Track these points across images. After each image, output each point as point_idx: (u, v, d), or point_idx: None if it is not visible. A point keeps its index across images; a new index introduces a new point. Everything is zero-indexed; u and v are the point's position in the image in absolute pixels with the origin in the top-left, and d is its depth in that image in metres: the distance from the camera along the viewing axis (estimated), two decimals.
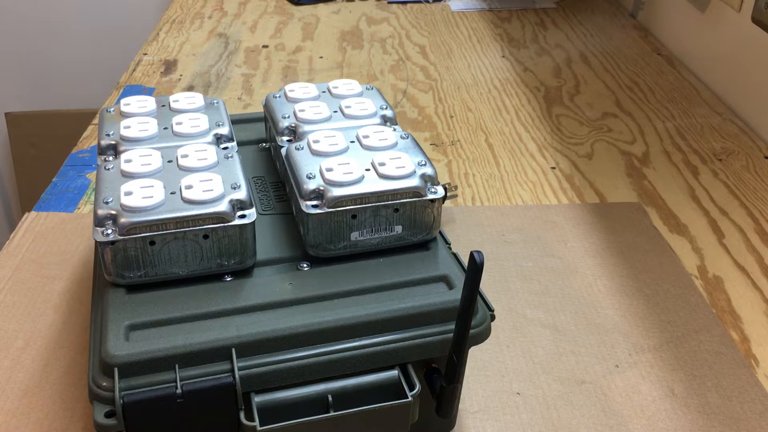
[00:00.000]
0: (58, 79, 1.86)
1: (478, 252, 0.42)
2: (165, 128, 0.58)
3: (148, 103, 0.62)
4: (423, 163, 0.53)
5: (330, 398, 0.46)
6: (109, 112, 0.61)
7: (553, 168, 0.91)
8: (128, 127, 0.58)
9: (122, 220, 0.47)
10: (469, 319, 0.44)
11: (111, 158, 0.55)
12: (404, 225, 0.52)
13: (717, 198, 0.85)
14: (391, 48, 1.26)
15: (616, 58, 1.21)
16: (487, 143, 0.96)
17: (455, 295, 0.47)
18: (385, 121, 0.61)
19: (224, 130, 0.58)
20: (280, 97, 0.64)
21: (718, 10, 1.08)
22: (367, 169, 0.52)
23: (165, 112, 0.61)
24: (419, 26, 1.35)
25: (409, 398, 0.46)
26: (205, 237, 0.48)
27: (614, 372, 0.61)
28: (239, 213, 0.49)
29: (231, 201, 0.49)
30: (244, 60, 1.20)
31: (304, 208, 0.50)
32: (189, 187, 0.49)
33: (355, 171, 0.51)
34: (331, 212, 0.50)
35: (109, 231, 0.47)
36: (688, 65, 1.18)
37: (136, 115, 0.60)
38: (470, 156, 0.93)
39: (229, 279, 0.50)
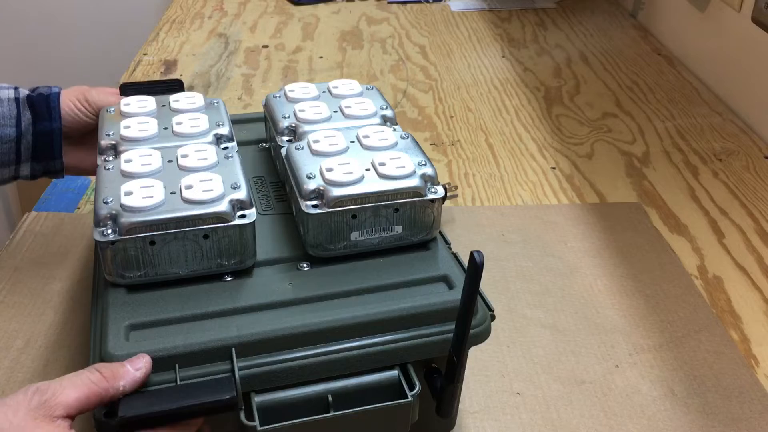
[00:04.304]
0: (59, 78, 1.85)
1: (478, 252, 0.42)
2: (165, 128, 0.58)
3: (148, 103, 0.62)
4: (423, 163, 0.53)
5: (330, 398, 0.46)
6: (109, 112, 0.61)
7: (553, 168, 0.91)
8: (128, 127, 0.58)
9: (122, 220, 0.47)
10: (469, 319, 0.44)
11: (111, 158, 0.55)
12: (404, 225, 0.52)
13: (717, 198, 0.85)
14: (391, 48, 1.26)
15: (616, 58, 1.21)
16: (487, 143, 0.96)
17: (455, 295, 0.47)
18: (385, 121, 0.60)
19: (224, 130, 0.58)
20: (280, 97, 0.64)
21: (718, 10, 1.08)
22: (367, 169, 0.52)
23: (165, 112, 0.61)
24: (419, 26, 1.35)
25: (409, 398, 0.46)
26: (205, 237, 0.48)
27: (614, 372, 0.61)
28: (239, 213, 0.49)
29: (231, 201, 0.49)
30: (244, 60, 1.20)
31: (304, 208, 0.50)
32: (189, 187, 0.49)
33: (355, 171, 0.51)
34: (331, 212, 0.50)
35: (109, 231, 0.47)
36: (688, 65, 1.18)
37: (136, 115, 0.60)
38: (470, 156, 0.93)
39: (229, 279, 0.50)
